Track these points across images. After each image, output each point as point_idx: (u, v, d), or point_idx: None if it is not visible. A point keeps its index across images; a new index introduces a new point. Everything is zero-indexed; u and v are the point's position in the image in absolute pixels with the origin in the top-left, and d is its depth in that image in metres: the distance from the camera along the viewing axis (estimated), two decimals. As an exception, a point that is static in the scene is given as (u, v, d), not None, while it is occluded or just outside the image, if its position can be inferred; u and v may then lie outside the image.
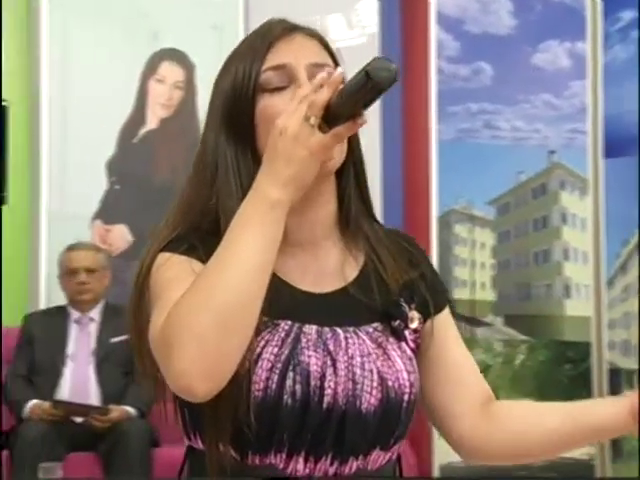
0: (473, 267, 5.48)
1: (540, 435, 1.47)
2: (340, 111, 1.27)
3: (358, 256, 1.48)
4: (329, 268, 1.46)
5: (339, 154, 1.40)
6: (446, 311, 1.53)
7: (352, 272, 1.46)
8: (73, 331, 4.88)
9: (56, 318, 4.89)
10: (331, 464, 1.37)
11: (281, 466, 1.36)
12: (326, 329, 1.40)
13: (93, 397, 4.75)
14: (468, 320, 5.33)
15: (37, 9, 5.27)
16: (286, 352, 1.35)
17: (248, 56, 1.43)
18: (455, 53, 5.44)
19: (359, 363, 1.38)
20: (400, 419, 1.40)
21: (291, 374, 1.34)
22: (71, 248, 4.94)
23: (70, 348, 4.83)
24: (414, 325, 1.46)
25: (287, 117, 1.29)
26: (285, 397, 1.33)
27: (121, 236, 5.47)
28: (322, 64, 1.42)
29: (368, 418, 1.36)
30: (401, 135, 5.66)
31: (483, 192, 5.46)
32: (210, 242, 1.35)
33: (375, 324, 1.43)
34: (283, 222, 1.29)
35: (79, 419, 4.59)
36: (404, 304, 1.46)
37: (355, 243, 1.48)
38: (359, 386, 1.36)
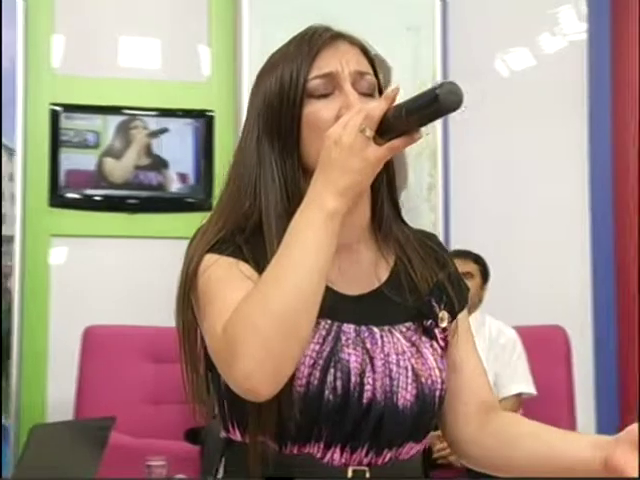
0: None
1: (517, 460, 1.51)
2: (397, 125, 1.32)
3: (389, 258, 1.56)
4: (363, 270, 1.54)
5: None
6: (465, 314, 1.61)
7: (384, 273, 1.55)
8: None
9: None
10: (366, 455, 1.43)
11: (318, 455, 1.42)
12: (363, 328, 1.46)
13: None
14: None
15: (240, 22, 5.37)
16: (327, 349, 1.42)
17: (295, 62, 1.49)
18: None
19: (395, 360, 1.45)
20: (433, 413, 1.48)
21: (332, 370, 1.41)
22: None
23: None
24: (444, 324, 1.54)
25: (341, 127, 1.34)
26: (326, 392, 1.40)
27: None
28: (365, 72, 1.50)
29: (405, 413, 1.44)
30: (610, 145, 5.56)
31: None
32: (254, 244, 1.44)
33: (408, 323, 1.50)
34: (338, 230, 1.35)
35: None
36: (435, 304, 1.53)
37: (386, 245, 1.57)
38: (395, 382, 1.44)
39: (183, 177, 5.48)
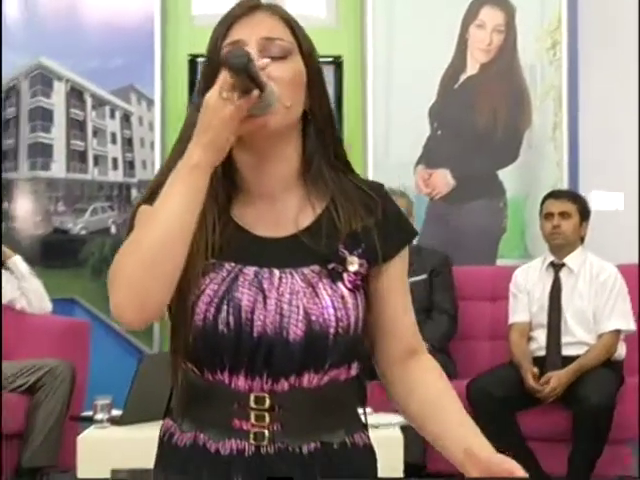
0: None
1: (422, 418, 1.67)
2: (242, 87, 1.49)
3: (317, 206, 1.65)
4: (284, 216, 1.64)
5: (276, 119, 1.56)
6: (397, 261, 1.68)
7: (306, 220, 1.64)
8: None
9: None
10: (266, 382, 1.59)
11: (227, 382, 1.60)
12: (265, 270, 1.60)
13: None
14: None
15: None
16: (223, 289, 1.58)
17: (215, 32, 1.64)
18: None
19: (287, 299, 1.58)
20: (328, 348, 1.59)
21: (225, 307, 1.57)
22: None
23: None
24: (353, 268, 1.62)
25: (211, 92, 1.51)
26: (221, 326, 1.57)
27: (443, 180, 5.62)
28: (275, 38, 1.61)
29: (294, 346, 1.57)
30: None
31: None
32: None
33: (313, 266, 1.61)
34: (204, 180, 1.52)
35: None
36: (344, 249, 1.62)
37: (317, 194, 1.65)
38: (286, 319, 1.57)
39: None
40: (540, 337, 4.81)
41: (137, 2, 5.48)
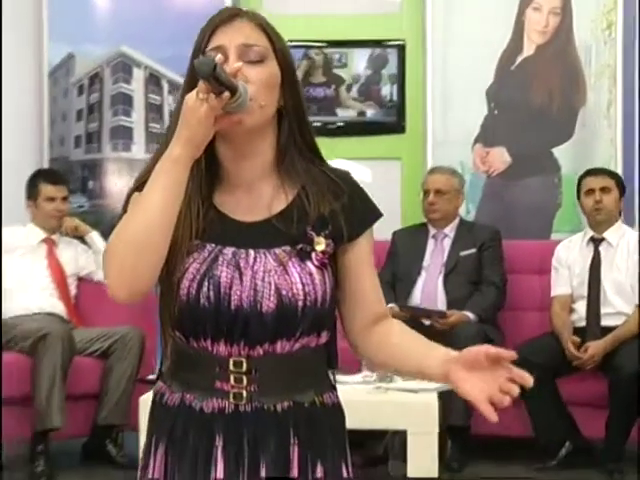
0: None
1: (392, 358, 1.85)
2: (214, 90, 1.63)
3: (290, 193, 1.80)
4: (260, 203, 1.79)
5: (251, 116, 1.71)
6: (362, 240, 1.83)
7: (279, 206, 1.79)
8: (429, 245, 5.34)
9: (417, 234, 5.38)
10: (243, 349, 1.74)
11: (209, 349, 1.75)
12: (242, 250, 1.75)
13: (440, 303, 5.21)
14: None
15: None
16: (204, 268, 1.74)
17: (199, 38, 1.78)
18: None
19: (261, 277, 1.73)
20: (297, 319, 1.74)
21: (206, 284, 1.72)
22: (430, 171, 5.41)
23: (425, 260, 5.31)
24: (320, 248, 1.77)
25: (190, 93, 1.65)
26: (202, 300, 1.72)
27: (500, 157, 5.81)
28: (252, 44, 1.75)
29: (267, 318, 1.72)
30: None
31: None
32: None
33: (285, 247, 1.76)
34: (184, 173, 1.67)
35: (426, 321, 5.06)
36: (312, 231, 1.77)
37: (290, 183, 1.80)
38: (260, 294, 1.72)
39: (380, 103, 6.01)
40: (580, 308, 4.99)
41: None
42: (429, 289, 5.27)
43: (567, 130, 5.75)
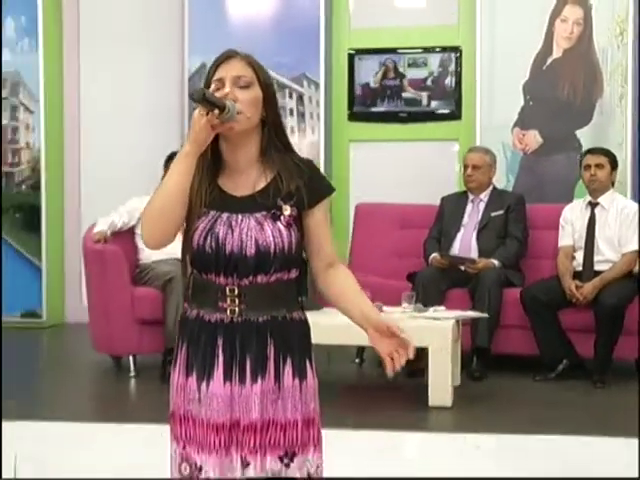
0: None
1: (334, 296, 2.21)
2: (207, 108, 2.01)
3: (269, 177, 2.14)
4: (247, 183, 2.14)
5: (240, 124, 2.07)
6: (319, 207, 2.16)
7: (260, 185, 2.14)
8: (468, 208, 6.12)
9: (459, 199, 6.22)
10: (235, 280, 2.09)
11: (213, 280, 2.11)
12: (234, 215, 2.10)
13: (473, 252, 5.99)
14: None
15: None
16: (209, 227, 2.09)
17: (208, 71, 2.15)
18: None
19: (245, 233, 2.08)
20: (271, 260, 2.09)
21: (209, 237, 2.09)
22: (468, 150, 6.24)
23: (464, 220, 6.09)
24: (287, 213, 2.11)
25: (196, 110, 2.02)
26: (207, 248, 2.09)
27: (533, 138, 6.76)
28: (241, 76, 2.10)
29: (250, 260, 2.08)
30: None
31: None
32: None
33: (262, 212, 2.11)
34: (192, 163, 2.04)
35: (461, 266, 5.87)
36: (281, 202, 2.11)
37: (269, 169, 2.15)
38: (244, 244, 2.08)
39: (439, 96, 7.17)
40: (579, 257, 5.73)
41: (306, 9, 6.89)
42: (466, 242, 5.97)
43: (587, 116, 6.62)
